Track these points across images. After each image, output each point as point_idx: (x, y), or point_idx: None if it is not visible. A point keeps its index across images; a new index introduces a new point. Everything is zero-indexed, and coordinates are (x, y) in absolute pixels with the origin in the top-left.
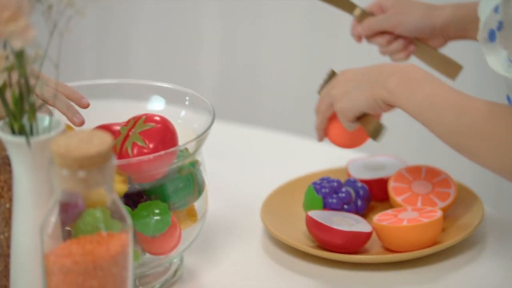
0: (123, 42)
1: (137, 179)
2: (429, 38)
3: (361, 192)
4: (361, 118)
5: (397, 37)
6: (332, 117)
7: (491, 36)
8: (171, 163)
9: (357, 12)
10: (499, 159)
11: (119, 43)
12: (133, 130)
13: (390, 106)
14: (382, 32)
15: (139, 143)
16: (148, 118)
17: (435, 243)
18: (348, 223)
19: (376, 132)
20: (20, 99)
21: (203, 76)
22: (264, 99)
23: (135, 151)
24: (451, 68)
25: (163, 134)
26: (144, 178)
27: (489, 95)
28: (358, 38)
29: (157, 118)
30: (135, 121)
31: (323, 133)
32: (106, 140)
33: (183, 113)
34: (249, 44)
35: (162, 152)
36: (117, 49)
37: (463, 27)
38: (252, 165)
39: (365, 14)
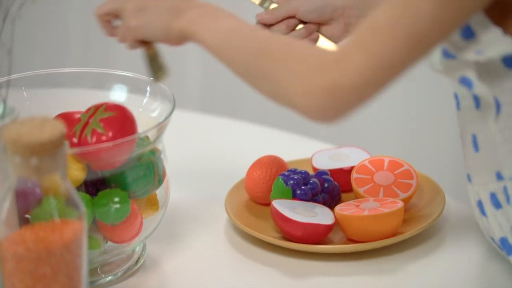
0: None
1: (96, 167)
2: (330, 22)
3: (326, 185)
4: (147, 46)
5: (300, 23)
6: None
7: None
8: (130, 151)
9: (267, 4)
10: (297, 81)
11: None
12: (93, 117)
13: (183, 39)
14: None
15: (98, 130)
16: (109, 106)
17: (396, 233)
18: (311, 214)
19: (161, 72)
20: None
21: (187, 69)
22: (243, 92)
23: (94, 138)
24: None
25: (122, 123)
26: (103, 166)
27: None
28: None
29: (117, 107)
30: (95, 108)
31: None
32: (58, 127)
33: (145, 101)
34: None
35: (119, 141)
36: (103, 39)
37: (366, 12)
38: (218, 155)
39: (267, 0)
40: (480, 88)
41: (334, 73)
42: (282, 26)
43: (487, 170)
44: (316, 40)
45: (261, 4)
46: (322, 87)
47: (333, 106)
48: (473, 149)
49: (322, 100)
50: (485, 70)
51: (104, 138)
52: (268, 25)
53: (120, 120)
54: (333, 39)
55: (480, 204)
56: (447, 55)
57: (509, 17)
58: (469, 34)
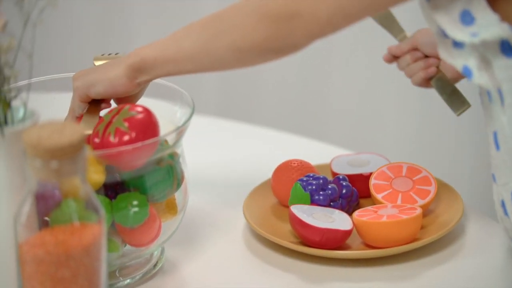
0: (125, 38)
1: (117, 168)
2: None
3: (344, 191)
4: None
5: (423, 57)
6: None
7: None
8: (151, 153)
9: (401, 37)
10: (254, 14)
11: (120, 40)
12: (117, 116)
13: (134, 77)
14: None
15: (122, 129)
16: (132, 107)
17: (414, 239)
18: (329, 219)
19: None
20: None
21: (205, 74)
22: (262, 98)
23: (117, 138)
24: (459, 103)
25: (146, 124)
26: (124, 167)
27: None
28: (389, 60)
29: (141, 108)
30: (119, 109)
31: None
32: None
33: (164, 105)
34: None
35: (140, 144)
36: (122, 43)
37: None
38: (237, 160)
39: (401, 33)
40: (480, 78)
41: (291, 4)
42: (407, 56)
43: (507, 169)
44: (431, 74)
45: (395, 36)
46: (279, 13)
47: (288, 33)
48: (495, 148)
49: (277, 27)
50: (485, 59)
51: (127, 137)
52: (396, 57)
53: (144, 121)
54: (448, 74)
55: (503, 204)
56: (456, 44)
57: (506, 1)
58: (469, 20)
